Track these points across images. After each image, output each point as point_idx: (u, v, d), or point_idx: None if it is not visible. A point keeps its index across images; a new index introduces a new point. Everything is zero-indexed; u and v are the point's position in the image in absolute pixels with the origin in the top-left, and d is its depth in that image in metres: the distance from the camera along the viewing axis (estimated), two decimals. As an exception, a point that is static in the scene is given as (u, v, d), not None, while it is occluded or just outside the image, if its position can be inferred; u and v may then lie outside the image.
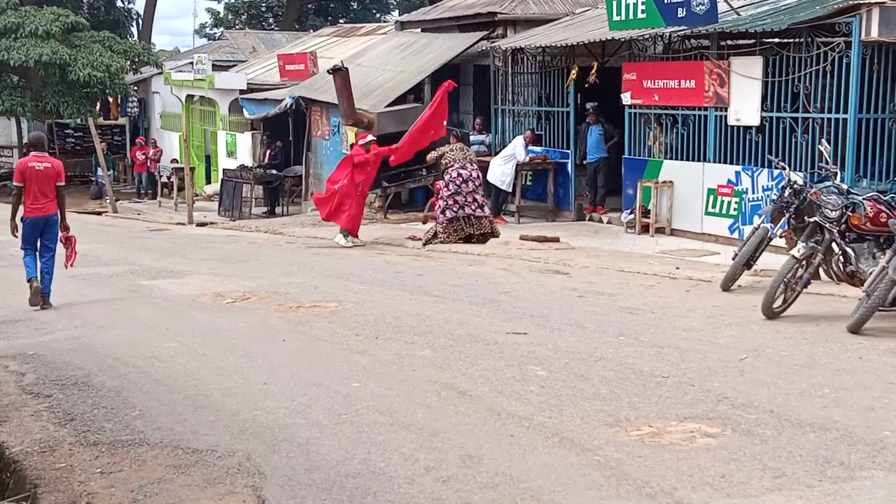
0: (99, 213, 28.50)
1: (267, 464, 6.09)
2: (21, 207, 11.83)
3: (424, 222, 18.11)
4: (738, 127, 15.20)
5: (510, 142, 19.55)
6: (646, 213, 16.57)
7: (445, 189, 16.25)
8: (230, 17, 59.13)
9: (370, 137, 17.45)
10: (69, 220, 12.33)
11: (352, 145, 20.07)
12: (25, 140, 38.34)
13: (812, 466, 5.75)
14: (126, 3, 45.44)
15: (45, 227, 11.96)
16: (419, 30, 25.60)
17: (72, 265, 12.60)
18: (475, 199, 16.26)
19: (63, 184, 12.12)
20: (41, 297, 11.76)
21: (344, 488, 5.65)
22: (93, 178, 35.04)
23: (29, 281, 11.81)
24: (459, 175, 16.22)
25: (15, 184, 11.90)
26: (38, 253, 11.97)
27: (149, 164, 32.95)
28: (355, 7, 57.61)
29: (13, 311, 11.74)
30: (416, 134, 17.54)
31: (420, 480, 5.72)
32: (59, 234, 12.10)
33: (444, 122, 17.92)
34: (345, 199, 16.91)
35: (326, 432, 6.62)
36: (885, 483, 5.53)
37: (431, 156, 17.18)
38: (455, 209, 16.16)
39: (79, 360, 8.98)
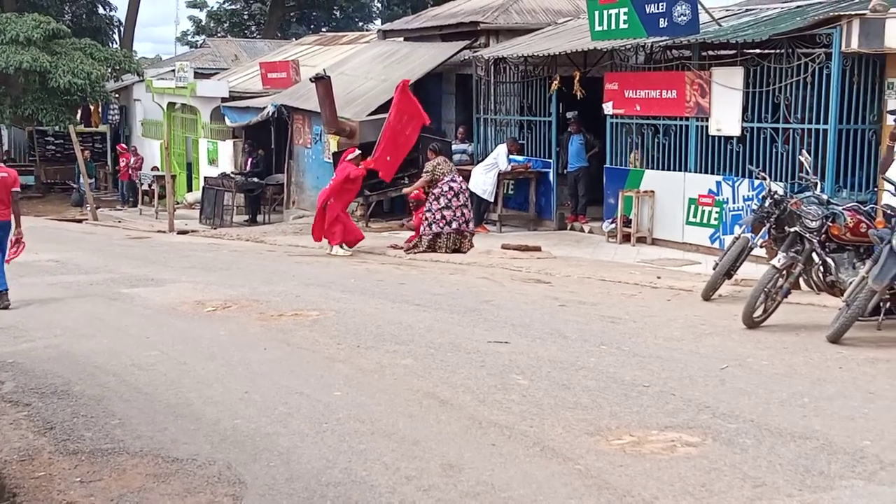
0: (79, 221, 28.37)
1: (248, 473, 6.06)
2: None
3: (401, 227, 17.85)
4: (719, 137, 15.26)
5: (492, 151, 19.57)
6: (627, 222, 16.61)
7: (435, 202, 16.16)
8: (212, 24, 59.11)
9: (357, 152, 17.36)
10: (41, 227, 12.49)
11: (334, 154, 20.06)
12: (5, 147, 38.25)
13: (792, 476, 5.77)
14: (108, 10, 45.36)
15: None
16: (402, 38, 25.63)
17: (7, 262, 12.65)
18: (463, 214, 16.23)
19: (18, 190, 12.71)
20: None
21: (325, 497, 5.63)
22: (74, 186, 34.89)
23: None
24: (451, 188, 16.19)
25: None
26: None
27: (130, 171, 32.85)
28: (338, 16, 57.65)
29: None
30: (390, 143, 17.51)
31: (401, 489, 5.71)
32: (11, 237, 12.49)
33: (417, 113, 17.93)
34: (333, 218, 16.80)
35: (308, 441, 6.61)
36: (865, 492, 5.55)
37: (418, 184, 16.90)
38: (442, 224, 16.11)
39: (58, 369, 8.93)
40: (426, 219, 16.29)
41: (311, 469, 6.07)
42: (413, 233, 17.26)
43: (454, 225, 16.16)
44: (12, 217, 12.54)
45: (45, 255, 17.33)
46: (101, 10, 44.89)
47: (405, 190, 17.75)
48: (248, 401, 7.64)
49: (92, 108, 39.01)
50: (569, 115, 18.68)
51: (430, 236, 16.21)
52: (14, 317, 11.63)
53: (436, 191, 16.24)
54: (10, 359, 9.37)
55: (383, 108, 20.91)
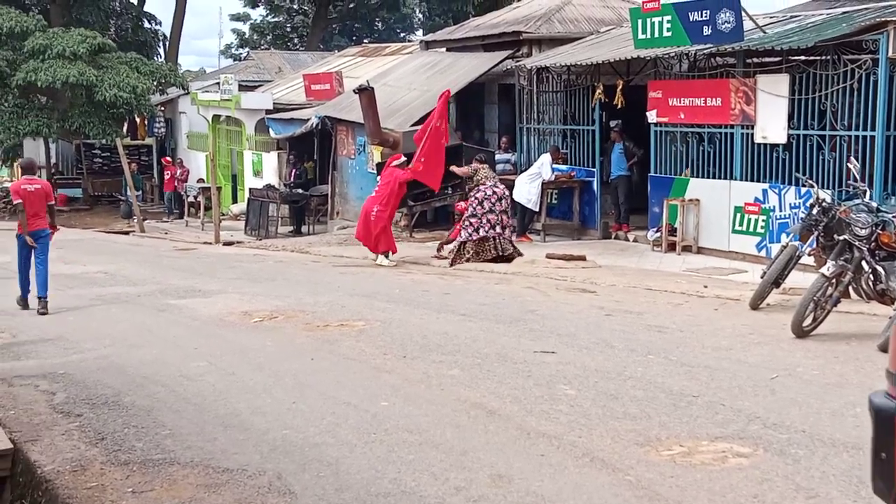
0: (126, 233, 28.68)
1: (297, 483, 6.09)
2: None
3: (439, 250, 17.65)
4: (765, 145, 15.15)
5: (536, 160, 19.55)
6: (672, 231, 16.52)
7: (479, 206, 16.14)
8: (256, 37, 59.60)
9: (402, 158, 17.40)
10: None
11: (378, 165, 20.12)
12: (53, 161, 38.73)
13: (846, 487, 5.70)
14: (153, 24, 45.85)
15: (38, 241, 13.20)
16: (444, 49, 25.69)
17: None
18: (502, 221, 16.23)
19: (53, 203, 13.74)
20: (40, 303, 13.02)
21: (375, 508, 5.65)
22: (122, 199, 35.29)
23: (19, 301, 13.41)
24: (494, 193, 16.22)
25: (16, 202, 13.27)
26: (31, 269, 13.27)
27: (176, 183, 33.16)
28: (380, 27, 57.93)
29: (42, 331, 11.82)
30: (431, 151, 17.41)
31: (450, 500, 5.71)
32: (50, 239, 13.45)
33: (445, 128, 17.85)
34: (379, 226, 16.83)
35: (356, 451, 6.62)
36: (921, 503, 5.47)
37: (464, 170, 17.06)
38: (486, 228, 16.11)
39: (108, 379, 9.02)
40: (471, 224, 16.21)
41: (361, 479, 6.09)
42: (451, 245, 17.09)
43: (498, 229, 16.15)
44: (48, 227, 13.36)
45: (94, 266, 17.54)
46: (146, 24, 45.36)
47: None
48: (295, 411, 7.67)
49: (138, 120, 39.42)
50: (612, 123, 18.64)
51: (477, 240, 16.16)
52: (64, 328, 11.77)
53: (479, 195, 16.22)
54: (60, 370, 9.48)
55: (426, 118, 20.98)
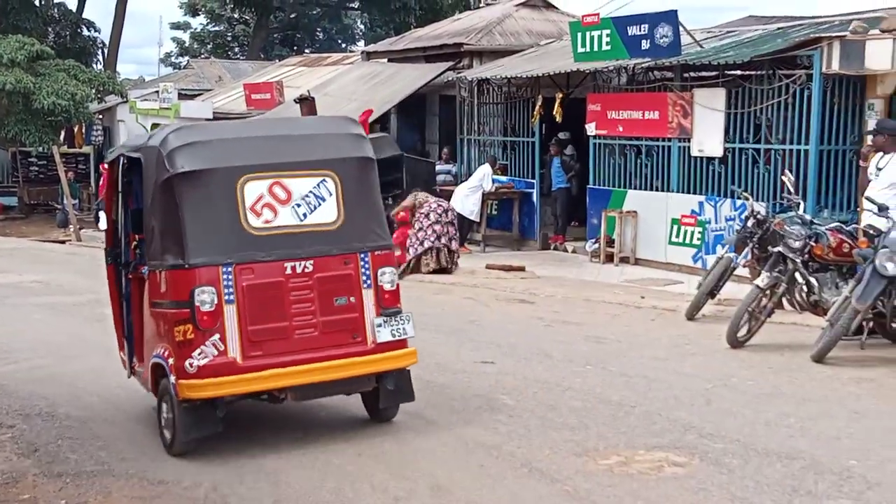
0: (63, 242, 28.25)
1: (234, 494, 6.06)
2: None
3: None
4: (702, 158, 15.31)
5: (475, 171, 19.60)
6: (610, 242, 16.65)
7: (425, 219, 16.11)
8: (196, 46, 59.09)
9: None
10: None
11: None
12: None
13: (779, 496, 5.79)
14: (91, 31, 45.27)
15: None
16: (386, 60, 25.68)
17: None
18: (448, 232, 16.20)
19: None
20: None
21: (313, 519, 5.63)
22: (58, 207, 34.76)
23: None
24: (440, 205, 16.25)
25: None
26: None
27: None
28: (321, 37, 57.71)
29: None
30: None
31: (389, 511, 5.71)
32: None
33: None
34: None
35: (293, 462, 6.60)
36: (851, 511, 5.58)
37: (405, 204, 16.78)
38: (433, 238, 16.07)
39: (43, 390, 8.90)
40: (417, 238, 16.16)
41: (299, 490, 6.06)
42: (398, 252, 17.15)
43: (444, 240, 16.13)
44: None
45: (30, 276, 17.29)
46: (84, 32, 44.76)
47: (395, 213, 17.65)
48: (231, 422, 7.61)
49: (75, 129, 38.86)
50: (561, 135, 18.73)
51: (422, 252, 16.09)
52: (-3, 338, 11.58)
53: (423, 209, 16.22)
54: (-7, 381, 9.33)
55: (367, 129, 20.93)
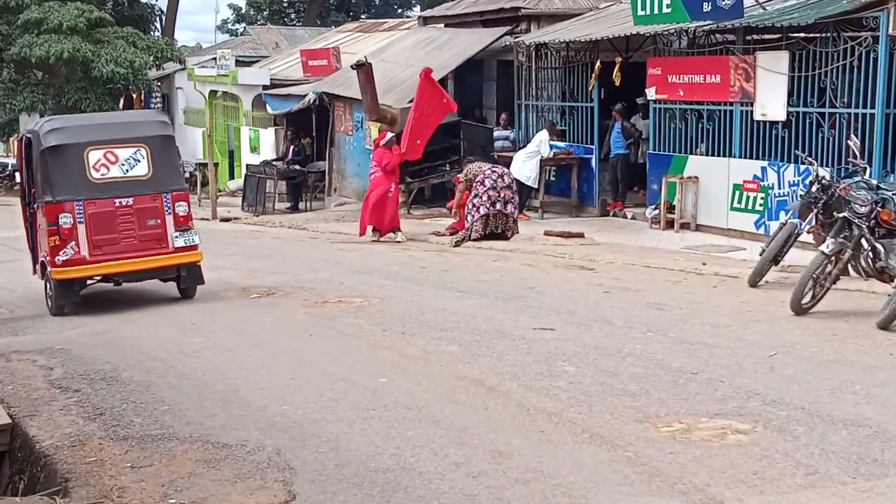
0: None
1: (297, 459, 6.09)
2: None
3: (450, 209, 17.80)
4: (764, 122, 15.10)
5: (533, 137, 19.48)
6: (671, 208, 16.48)
7: (481, 185, 16.02)
8: (252, 12, 59.26)
9: (390, 135, 17.34)
10: None
11: (374, 141, 20.04)
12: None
13: (845, 463, 5.71)
14: (149, -1, 45.56)
15: None
16: (442, 25, 25.55)
17: None
18: (504, 196, 16.10)
19: None
20: None
21: (374, 483, 5.65)
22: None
23: None
24: (493, 171, 16.16)
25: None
26: None
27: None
28: (377, 3, 57.61)
29: (38, 306, 11.81)
30: (416, 126, 17.26)
31: (450, 476, 5.71)
32: None
33: (444, 100, 17.76)
34: (380, 205, 16.78)
35: (355, 427, 6.62)
36: (920, 481, 5.48)
37: (463, 184, 16.72)
38: (488, 205, 15.98)
39: (106, 355, 9.02)
40: (474, 206, 16.08)
41: (360, 455, 6.09)
42: (455, 220, 17.15)
43: (498, 206, 16.05)
44: None
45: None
46: (142, -1, 45.09)
47: (450, 204, 17.66)
48: (295, 387, 7.67)
49: (134, 96, 39.21)
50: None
51: (479, 220, 16.03)
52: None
53: (479, 178, 16.12)
54: (58, 345, 9.49)
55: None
